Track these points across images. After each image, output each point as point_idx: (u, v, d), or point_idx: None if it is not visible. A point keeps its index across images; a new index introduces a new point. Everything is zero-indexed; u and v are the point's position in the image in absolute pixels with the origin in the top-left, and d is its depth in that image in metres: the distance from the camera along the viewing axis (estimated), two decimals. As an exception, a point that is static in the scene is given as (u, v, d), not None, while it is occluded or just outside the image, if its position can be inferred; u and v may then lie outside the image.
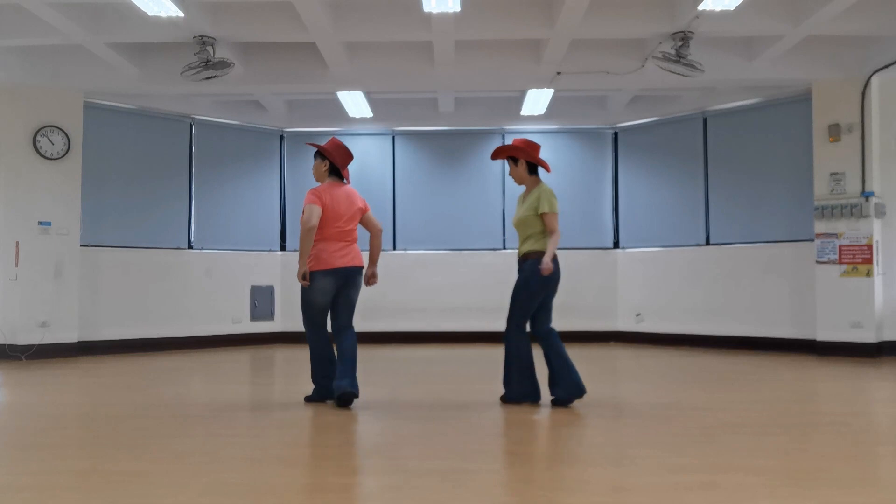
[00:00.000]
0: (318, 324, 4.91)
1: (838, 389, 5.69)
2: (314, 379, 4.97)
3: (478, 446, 3.74)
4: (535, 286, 4.74)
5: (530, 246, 4.80)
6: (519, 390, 4.88)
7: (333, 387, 4.76)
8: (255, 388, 6.21)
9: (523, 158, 4.96)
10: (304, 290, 4.82)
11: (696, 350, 8.58)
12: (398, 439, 3.97)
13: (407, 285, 9.65)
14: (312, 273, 4.75)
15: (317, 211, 4.71)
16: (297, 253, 4.75)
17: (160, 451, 3.59)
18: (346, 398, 4.70)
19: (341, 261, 4.78)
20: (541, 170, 5.02)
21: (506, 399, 4.92)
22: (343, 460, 3.57)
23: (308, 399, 5.01)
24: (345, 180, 4.99)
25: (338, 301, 4.88)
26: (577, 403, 4.77)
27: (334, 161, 4.91)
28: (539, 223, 4.79)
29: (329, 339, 4.94)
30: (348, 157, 4.98)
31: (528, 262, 4.78)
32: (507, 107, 9.63)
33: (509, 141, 9.83)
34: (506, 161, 5.11)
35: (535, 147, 4.99)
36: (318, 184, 4.96)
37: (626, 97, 9.22)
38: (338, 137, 5.23)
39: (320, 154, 4.97)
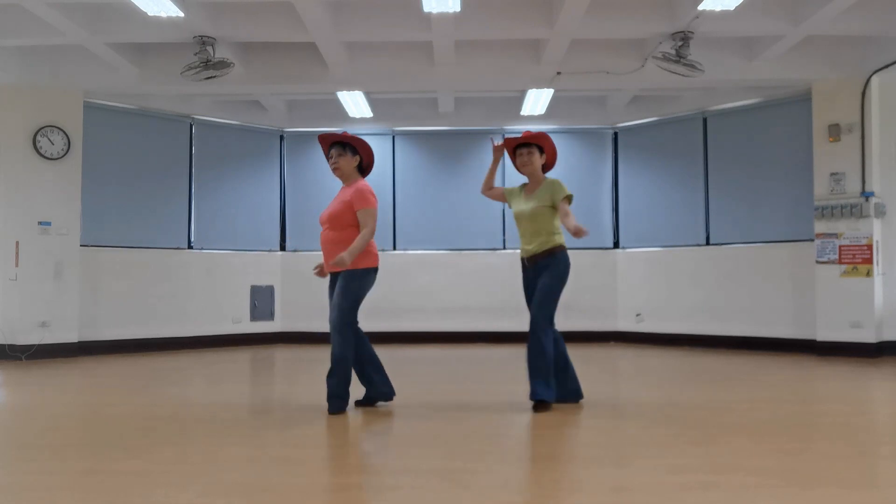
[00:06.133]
0: (355, 321, 4.70)
1: (838, 389, 5.69)
2: (368, 379, 4.76)
3: (478, 446, 3.74)
4: (566, 278, 4.67)
5: (552, 241, 4.68)
6: (566, 387, 4.72)
7: (383, 390, 4.80)
8: (255, 389, 6.21)
9: (548, 154, 4.93)
10: (360, 286, 4.59)
11: (696, 350, 8.58)
12: (398, 439, 3.97)
13: (407, 285, 9.65)
14: (367, 269, 4.62)
15: (376, 215, 4.66)
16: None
17: (160, 451, 3.58)
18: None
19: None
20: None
21: (545, 401, 4.59)
22: (343, 460, 3.56)
23: (366, 402, 4.85)
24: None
25: None
26: (577, 403, 4.77)
27: (366, 159, 4.86)
28: (553, 215, 4.69)
29: None
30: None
31: (559, 256, 4.66)
32: (507, 107, 9.63)
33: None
34: (516, 150, 4.90)
35: None
36: (331, 175, 4.89)
37: (626, 97, 9.23)
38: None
39: (351, 148, 4.79)
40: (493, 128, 9.94)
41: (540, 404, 4.58)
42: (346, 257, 4.47)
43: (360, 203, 4.61)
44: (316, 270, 4.82)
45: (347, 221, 4.62)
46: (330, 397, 4.59)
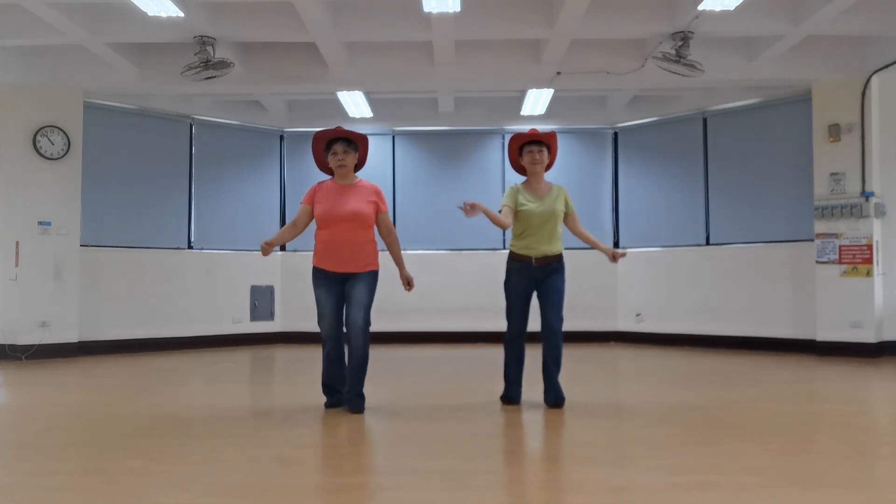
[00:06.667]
0: None
1: (838, 389, 5.69)
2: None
3: (478, 446, 3.74)
4: None
5: (560, 245, 4.80)
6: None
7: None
8: (255, 389, 6.21)
9: (553, 154, 4.91)
10: (374, 289, 4.68)
11: (697, 350, 8.58)
12: (399, 439, 3.97)
13: (407, 285, 9.63)
14: (376, 272, 4.71)
15: None
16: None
17: (160, 451, 3.59)
18: None
19: None
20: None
21: (561, 400, 4.66)
22: (343, 460, 3.56)
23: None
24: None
25: None
26: (577, 403, 4.77)
27: (361, 155, 4.80)
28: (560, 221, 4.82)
29: None
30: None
31: (561, 261, 4.79)
32: (507, 107, 9.63)
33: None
34: (525, 147, 4.85)
35: None
36: (323, 175, 4.85)
37: (626, 97, 9.23)
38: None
39: (354, 145, 4.73)
40: (493, 128, 9.95)
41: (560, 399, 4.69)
42: (409, 273, 4.80)
43: (384, 205, 4.74)
44: (264, 245, 4.46)
45: (371, 221, 4.66)
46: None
